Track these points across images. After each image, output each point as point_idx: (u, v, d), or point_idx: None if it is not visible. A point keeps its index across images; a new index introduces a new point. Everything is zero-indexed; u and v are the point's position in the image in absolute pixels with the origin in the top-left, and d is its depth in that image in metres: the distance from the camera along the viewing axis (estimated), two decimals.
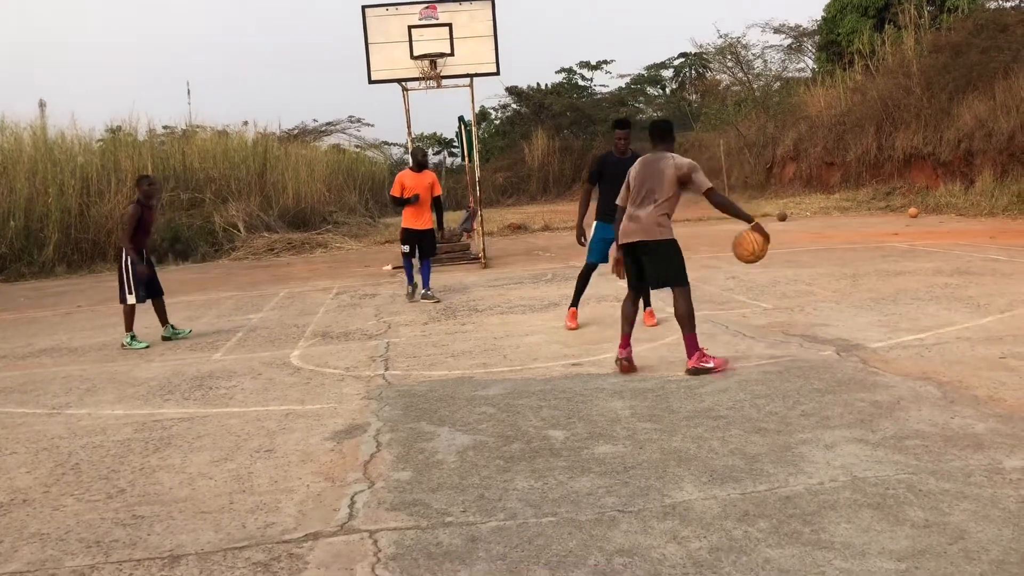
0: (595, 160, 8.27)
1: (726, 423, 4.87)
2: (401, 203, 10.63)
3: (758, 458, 4.27)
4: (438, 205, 10.86)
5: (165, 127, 29.38)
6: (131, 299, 8.95)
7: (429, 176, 10.91)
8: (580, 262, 14.12)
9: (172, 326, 9.36)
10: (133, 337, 8.96)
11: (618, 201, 6.53)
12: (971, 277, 9.64)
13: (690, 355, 6.07)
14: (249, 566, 3.44)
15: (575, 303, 8.44)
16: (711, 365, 6.04)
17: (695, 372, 6.01)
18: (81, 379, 7.48)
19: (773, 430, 4.70)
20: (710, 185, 6.13)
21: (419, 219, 10.70)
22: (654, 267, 6.24)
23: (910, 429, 4.57)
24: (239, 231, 21.65)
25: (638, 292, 6.62)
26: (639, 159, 6.54)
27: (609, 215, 7.43)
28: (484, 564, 3.31)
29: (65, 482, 4.66)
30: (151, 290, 9.18)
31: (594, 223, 8.22)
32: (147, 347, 8.83)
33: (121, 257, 8.95)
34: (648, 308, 8.22)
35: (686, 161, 6.25)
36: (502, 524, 3.67)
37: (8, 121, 21.27)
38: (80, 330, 10.49)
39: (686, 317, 6.08)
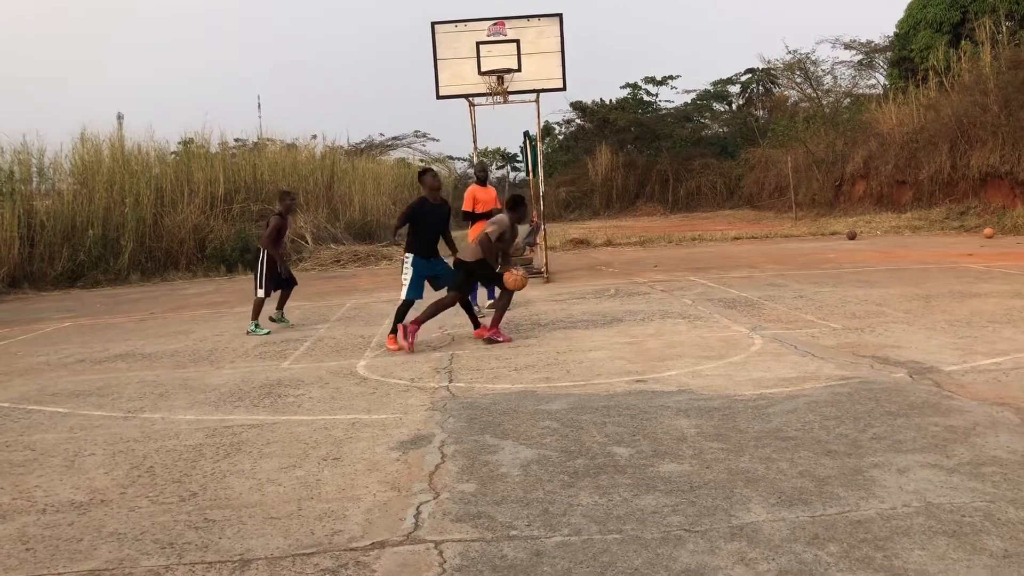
0: (410, 206, 9.11)
1: (795, 444, 4.80)
2: (475, 218, 10.96)
3: (828, 481, 4.19)
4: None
5: (237, 140, 30.17)
6: (260, 293, 10.39)
7: (492, 191, 11.45)
8: (644, 277, 14.09)
9: (283, 314, 10.81)
10: (257, 325, 10.34)
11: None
12: None
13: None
14: (317, 572, 3.49)
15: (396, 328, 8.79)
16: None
17: None
18: (155, 384, 7.70)
19: (843, 453, 4.61)
20: None
21: None
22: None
23: (987, 456, 4.44)
24: (307, 242, 22.08)
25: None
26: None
27: (424, 253, 8.86)
28: None
29: (140, 484, 4.80)
30: (285, 282, 10.73)
31: (412, 256, 8.91)
32: (268, 333, 10.26)
33: (259, 257, 10.42)
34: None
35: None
36: (567, 539, 3.67)
37: (88, 133, 22.09)
38: (153, 336, 10.79)
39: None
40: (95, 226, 19.97)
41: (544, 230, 15.73)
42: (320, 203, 24.27)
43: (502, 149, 52.03)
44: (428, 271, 8.93)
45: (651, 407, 5.79)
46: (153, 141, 23.63)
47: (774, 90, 44.31)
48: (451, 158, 46.10)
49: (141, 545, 3.90)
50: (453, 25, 14.28)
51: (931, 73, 25.95)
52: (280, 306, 10.83)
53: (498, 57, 14.10)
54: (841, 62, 42.83)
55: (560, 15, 14.32)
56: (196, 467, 5.05)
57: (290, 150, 28.01)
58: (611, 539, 3.64)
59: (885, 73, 35.00)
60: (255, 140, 29.85)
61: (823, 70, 38.09)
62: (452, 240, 9.54)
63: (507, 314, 10.80)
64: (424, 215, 8.85)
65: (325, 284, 16.83)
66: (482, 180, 11.37)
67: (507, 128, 74.37)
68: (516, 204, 8.87)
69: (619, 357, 7.63)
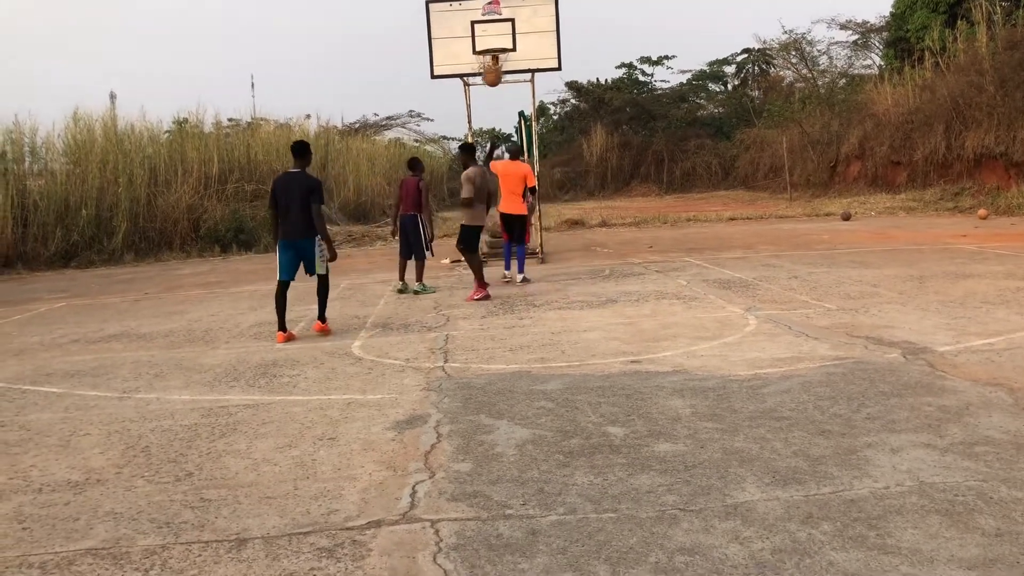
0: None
1: (789, 424, 4.82)
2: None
3: (822, 460, 4.22)
4: None
5: (230, 119, 29.96)
6: (429, 255, 11.48)
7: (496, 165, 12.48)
8: (639, 258, 14.11)
9: (424, 284, 11.46)
10: (425, 286, 11.35)
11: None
12: None
13: None
14: (313, 551, 3.51)
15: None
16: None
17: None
18: (150, 364, 7.69)
19: (837, 432, 4.63)
20: None
21: None
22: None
23: (980, 435, 4.46)
24: None
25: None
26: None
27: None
28: (545, 557, 3.32)
29: (136, 464, 4.81)
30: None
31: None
32: (435, 291, 11.37)
33: (421, 222, 11.32)
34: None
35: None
36: (562, 518, 3.68)
37: (81, 113, 21.92)
38: (148, 317, 10.77)
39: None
40: (88, 206, 19.84)
41: (539, 211, 15.70)
42: None
43: (497, 129, 51.80)
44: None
45: (646, 387, 5.81)
46: (146, 121, 23.50)
47: (770, 70, 44.22)
48: (445, 138, 45.93)
49: (137, 524, 3.91)
50: (448, 4, 14.19)
51: (927, 53, 25.88)
52: (419, 278, 11.44)
53: (493, 36, 14.02)
54: (837, 42, 42.60)
55: None
56: (192, 447, 5.06)
57: (283, 130, 27.84)
58: (606, 518, 3.66)
59: (881, 53, 34.88)
60: (249, 120, 29.72)
61: (819, 50, 38.05)
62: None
63: (503, 294, 10.80)
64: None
65: None
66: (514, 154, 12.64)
67: (502, 107, 73.72)
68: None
69: (614, 338, 7.64)
